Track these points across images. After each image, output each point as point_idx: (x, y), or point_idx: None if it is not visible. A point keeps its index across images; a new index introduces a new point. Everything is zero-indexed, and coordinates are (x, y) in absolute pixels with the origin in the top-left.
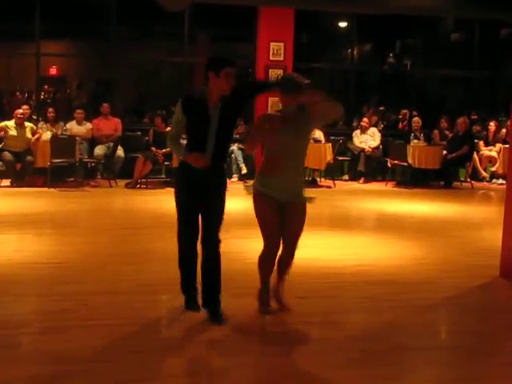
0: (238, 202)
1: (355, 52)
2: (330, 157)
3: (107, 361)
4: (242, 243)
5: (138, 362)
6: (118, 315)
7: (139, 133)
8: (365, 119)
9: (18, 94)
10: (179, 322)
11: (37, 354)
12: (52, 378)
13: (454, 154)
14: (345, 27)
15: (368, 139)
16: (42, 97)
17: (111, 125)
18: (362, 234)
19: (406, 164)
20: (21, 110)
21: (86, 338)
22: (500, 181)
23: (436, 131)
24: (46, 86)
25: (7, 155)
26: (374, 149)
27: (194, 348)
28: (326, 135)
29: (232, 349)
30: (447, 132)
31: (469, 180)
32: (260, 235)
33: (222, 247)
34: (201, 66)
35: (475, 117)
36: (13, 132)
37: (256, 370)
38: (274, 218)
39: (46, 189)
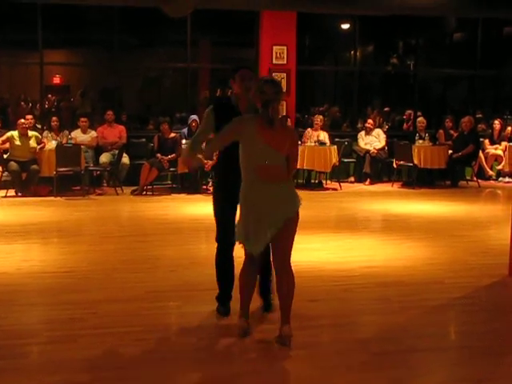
0: None
1: (358, 53)
2: (335, 159)
3: (118, 368)
4: None
5: (149, 368)
6: (127, 323)
7: (144, 139)
8: (369, 120)
9: (22, 103)
10: (188, 328)
11: (47, 364)
12: None
13: (460, 153)
14: (347, 29)
15: (373, 140)
16: (46, 106)
17: (116, 132)
18: (369, 236)
19: (411, 164)
20: (23, 120)
21: (96, 346)
22: (506, 179)
23: (441, 131)
24: (49, 95)
25: (13, 165)
26: (379, 150)
27: (204, 354)
28: (332, 137)
29: (242, 354)
30: (452, 131)
31: (475, 179)
32: None
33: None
34: (204, 72)
35: (480, 115)
36: (17, 142)
37: (268, 376)
38: None
39: (52, 198)
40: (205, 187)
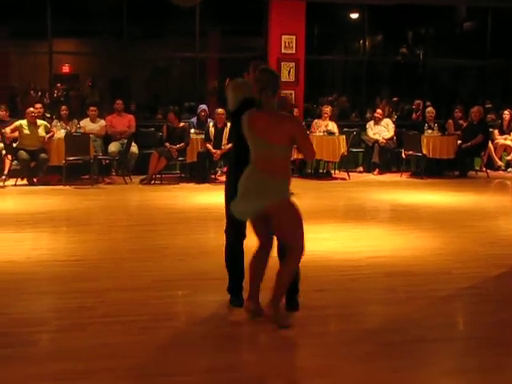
0: None
1: (367, 43)
2: (344, 149)
3: (126, 356)
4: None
5: (158, 357)
6: (136, 311)
7: (153, 129)
8: (378, 110)
9: (32, 92)
10: (196, 317)
11: (56, 352)
12: (71, 375)
13: (469, 144)
14: (356, 18)
15: (382, 130)
16: (55, 95)
17: (125, 121)
18: (377, 226)
19: (420, 154)
20: (32, 109)
21: (105, 334)
22: None
23: (450, 121)
24: (58, 84)
25: (23, 154)
26: (387, 140)
27: (211, 343)
28: (340, 127)
29: (248, 343)
30: (461, 121)
31: (484, 169)
32: None
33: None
34: (212, 61)
35: (489, 106)
36: (26, 131)
37: (274, 364)
38: None
39: (61, 186)
40: (213, 176)
